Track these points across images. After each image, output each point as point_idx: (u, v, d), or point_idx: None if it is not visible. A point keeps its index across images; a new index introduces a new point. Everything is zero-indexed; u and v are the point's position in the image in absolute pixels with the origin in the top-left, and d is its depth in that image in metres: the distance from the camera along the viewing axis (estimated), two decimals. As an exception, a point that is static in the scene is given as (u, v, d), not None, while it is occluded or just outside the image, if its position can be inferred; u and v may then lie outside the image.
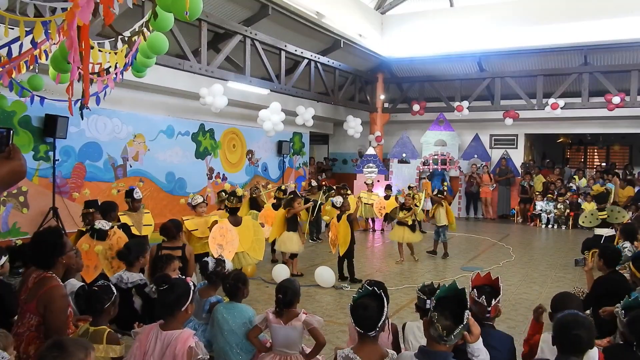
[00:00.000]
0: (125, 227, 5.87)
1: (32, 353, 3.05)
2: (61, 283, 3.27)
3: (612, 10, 11.58)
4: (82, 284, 4.08)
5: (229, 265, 4.20)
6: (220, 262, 4.12)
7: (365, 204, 11.35)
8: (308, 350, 3.52)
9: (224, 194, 7.56)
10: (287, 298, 3.43)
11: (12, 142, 1.45)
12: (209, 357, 2.89)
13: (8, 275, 4.26)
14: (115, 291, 3.19)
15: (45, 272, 3.20)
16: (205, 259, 4.25)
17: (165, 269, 4.23)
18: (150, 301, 4.06)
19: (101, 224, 5.19)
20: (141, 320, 3.79)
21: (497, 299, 2.96)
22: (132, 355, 2.92)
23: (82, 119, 4.72)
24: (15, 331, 3.11)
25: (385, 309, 2.55)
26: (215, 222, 6.20)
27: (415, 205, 8.71)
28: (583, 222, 8.54)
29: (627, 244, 5.93)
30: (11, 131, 1.48)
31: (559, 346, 2.55)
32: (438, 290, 2.40)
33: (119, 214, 6.01)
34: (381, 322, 2.52)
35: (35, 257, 3.22)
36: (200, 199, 6.59)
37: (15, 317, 3.29)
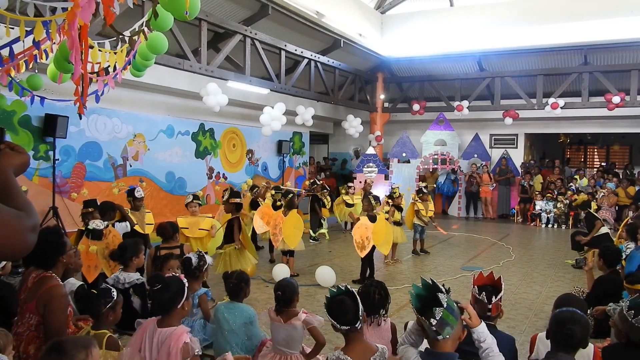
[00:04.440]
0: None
1: (32, 352, 3.04)
2: (61, 282, 3.27)
3: (612, 10, 11.56)
4: (82, 283, 4.08)
5: (209, 260, 4.33)
6: (201, 257, 4.23)
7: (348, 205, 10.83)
8: (308, 350, 3.52)
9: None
10: (286, 296, 3.44)
11: (5, 140, 1.45)
12: (202, 353, 2.90)
13: (8, 275, 4.27)
14: (114, 296, 3.14)
15: (44, 271, 3.20)
16: (187, 255, 4.31)
17: (163, 268, 4.28)
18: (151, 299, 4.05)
19: (95, 223, 5.18)
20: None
21: (498, 296, 2.96)
22: (129, 346, 2.94)
23: (80, 118, 4.72)
24: (15, 331, 3.11)
25: (359, 302, 2.57)
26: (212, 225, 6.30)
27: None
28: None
29: (631, 244, 5.93)
30: (3, 129, 1.50)
31: (552, 340, 2.63)
32: (412, 297, 2.35)
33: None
34: (360, 312, 2.53)
35: (36, 256, 3.22)
36: (190, 198, 6.58)
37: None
